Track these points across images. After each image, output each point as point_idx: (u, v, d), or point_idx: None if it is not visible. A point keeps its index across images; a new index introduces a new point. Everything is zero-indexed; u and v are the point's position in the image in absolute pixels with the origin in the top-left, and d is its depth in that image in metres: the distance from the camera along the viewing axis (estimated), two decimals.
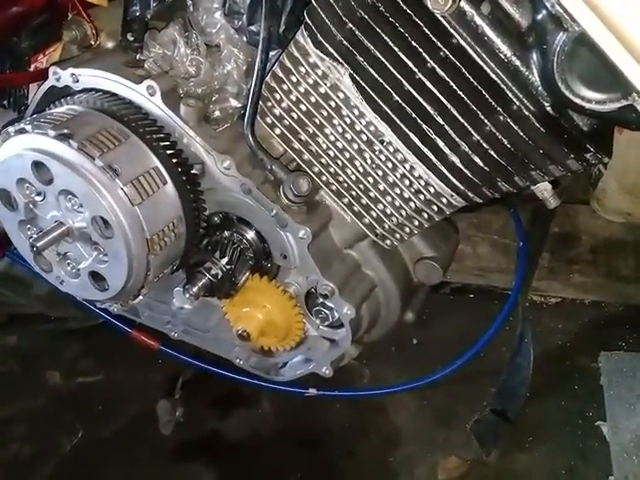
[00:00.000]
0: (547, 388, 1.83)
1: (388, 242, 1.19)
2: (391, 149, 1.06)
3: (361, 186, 1.13)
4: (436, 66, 0.93)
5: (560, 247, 2.15)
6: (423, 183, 1.07)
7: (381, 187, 1.12)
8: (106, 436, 1.90)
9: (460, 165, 1.01)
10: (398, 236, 1.17)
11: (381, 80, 0.99)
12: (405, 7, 0.90)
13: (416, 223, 1.14)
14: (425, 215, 1.12)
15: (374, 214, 1.15)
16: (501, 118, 0.93)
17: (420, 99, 0.98)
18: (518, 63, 0.87)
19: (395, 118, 1.02)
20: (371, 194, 1.13)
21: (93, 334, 2.01)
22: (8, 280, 1.96)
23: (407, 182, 1.09)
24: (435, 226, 1.17)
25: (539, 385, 1.69)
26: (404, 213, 1.12)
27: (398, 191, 1.10)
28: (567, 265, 2.15)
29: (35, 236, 1.08)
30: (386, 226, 1.16)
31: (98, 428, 1.91)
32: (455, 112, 0.96)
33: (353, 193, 1.15)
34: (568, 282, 2.16)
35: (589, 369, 1.91)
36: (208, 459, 1.84)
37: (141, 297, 1.17)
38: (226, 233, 1.19)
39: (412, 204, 1.11)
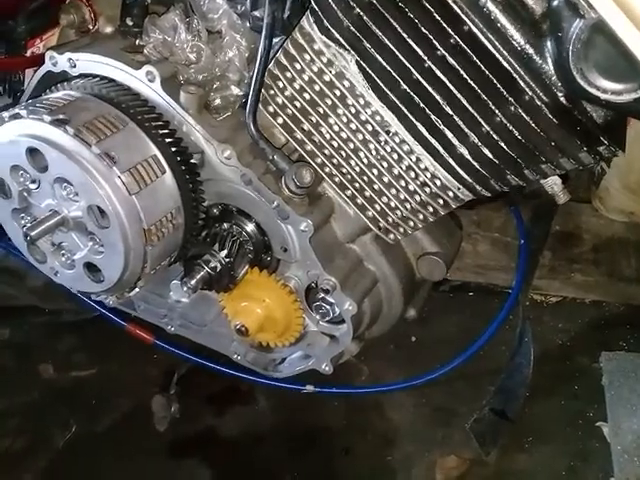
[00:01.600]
0: (547, 388, 1.81)
1: (392, 236, 1.16)
2: (397, 140, 1.04)
3: (365, 178, 1.11)
4: (446, 53, 0.90)
5: (561, 246, 2.13)
6: (429, 175, 1.05)
7: (386, 179, 1.09)
8: (100, 431, 1.87)
9: (469, 157, 0.98)
10: (402, 230, 1.15)
11: (389, 68, 0.96)
12: None
13: (421, 217, 1.11)
14: (430, 209, 1.10)
15: (378, 207, 1.13)
16: (512, 108, 0.90)
17: (429, 88, 0.95)
18: (531, 51, 0.84)
19: (402, 107, 1.00)
20: (375, 186, 1.11)
21: (87, 327, 1.99)
22: (2, 272, 1.93)
23: (413, 174, 1.06)
24: (439, 222, 1.16)
25: (539, 385, 1.67)
26: (409, 206, 1.10)
27: (403, 183, 1.08)
28: (568, 264, 2.13)
29: (29, 225, 1.06)
30: (390, 220, 1.13)
31: (92, 423, 1.89)
32: (465, 102, 0.93)
33: (357, 185, 1.12)
34: (569, 281, 2.14)
35: (590, 369, 1.89)
36: (204, 456, 1.82)
37: (137, 289, 1.15)
38: (225, 225, 1.17)
39: (417, 197, 1.08)
